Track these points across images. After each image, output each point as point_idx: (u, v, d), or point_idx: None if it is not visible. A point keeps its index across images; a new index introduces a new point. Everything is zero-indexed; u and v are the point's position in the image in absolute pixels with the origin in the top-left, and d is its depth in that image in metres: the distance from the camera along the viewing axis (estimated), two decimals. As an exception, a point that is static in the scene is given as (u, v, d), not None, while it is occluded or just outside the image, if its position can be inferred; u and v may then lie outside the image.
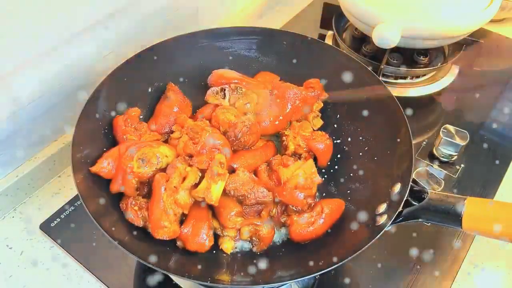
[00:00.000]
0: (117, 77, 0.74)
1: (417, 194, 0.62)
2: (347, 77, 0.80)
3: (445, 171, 0.87)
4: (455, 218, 0.58)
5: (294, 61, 0.86)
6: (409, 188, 0.61)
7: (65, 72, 0.78)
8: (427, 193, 0.61)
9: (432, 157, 0.89)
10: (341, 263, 0.56)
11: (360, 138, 0.78)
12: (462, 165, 0.88)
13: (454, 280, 0.71)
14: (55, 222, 0.75)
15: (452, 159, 0.88)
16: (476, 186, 0.84)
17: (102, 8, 0.78)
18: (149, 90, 0.80)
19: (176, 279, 0.70)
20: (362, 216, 0.66)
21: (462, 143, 0.85)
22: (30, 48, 0.70)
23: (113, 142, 0.72)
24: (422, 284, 0.71)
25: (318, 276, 0.70)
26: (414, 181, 0.63)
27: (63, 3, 0.70)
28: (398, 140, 0.70)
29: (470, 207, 0.57)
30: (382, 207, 0.64)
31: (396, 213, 0.59)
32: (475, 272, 0.73)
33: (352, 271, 0.72)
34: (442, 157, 0.88)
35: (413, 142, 0.67)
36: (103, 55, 0.83)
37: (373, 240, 0.57)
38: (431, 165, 0.88)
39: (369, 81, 0.78)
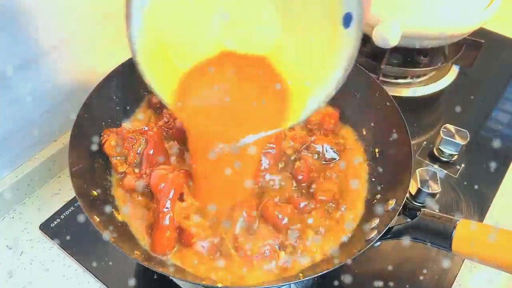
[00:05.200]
0: (116, 77, 0.74)
1: (411, 211, 0.61)
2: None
3: (445, 171, 0.87)
4: (445, 240, 0.56)
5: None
6: (402, 205, 0.60)
7: (65, 72, 0.78)
8: (420, 211, 0.60)
9: (432, 157, 0.89)
10: (330, 269, 0.56)
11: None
12: (463, 165, 0.88)
13: (454, 280, 0.71)
14: (55, 222, 0.75)
15: (453, 159, 0.88)
16: (476, 186, 0.84)
17: (102, 8, 0.78)
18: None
19: (176, 279, 0.70)
20: (355, 226, 0.66)
21: (463, 142, 0.85)
22: (30, 47, 0.70)
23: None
24: (423, 284, 0.71)
25: (317, 278, 0.70)
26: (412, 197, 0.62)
27: (63, 3, 0.70)
28: (397, 149, 0.69)
29: (462, 230, 0.56)
30: (375, 222, 0.64)
31: (386, 229, 0.58)
32: (475, 272, 0.73)
33: (353, 271, 0.71)
34: (443, 156, 0.88)
35: (413, 142, 0.67)
36: (103, 55, 0.83)
37: (358, 254, 0.57)
38: (432, 165, 0.88)
39: (366, 83, 0.77)
